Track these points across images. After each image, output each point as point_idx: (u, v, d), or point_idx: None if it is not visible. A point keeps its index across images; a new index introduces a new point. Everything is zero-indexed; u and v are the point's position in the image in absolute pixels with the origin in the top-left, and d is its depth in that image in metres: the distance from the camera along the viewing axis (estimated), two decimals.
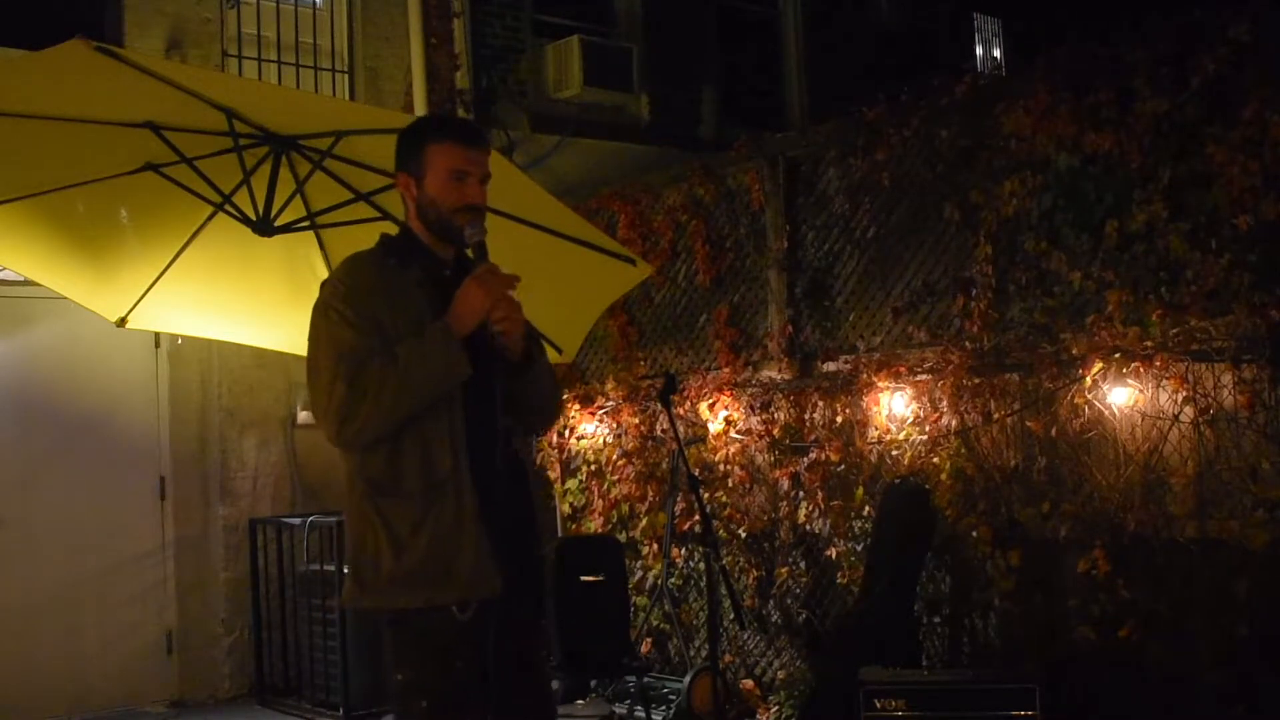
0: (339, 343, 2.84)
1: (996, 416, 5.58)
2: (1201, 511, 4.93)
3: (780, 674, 6.50)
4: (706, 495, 6.59)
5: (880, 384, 5.97)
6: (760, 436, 6.56)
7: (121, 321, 4.89)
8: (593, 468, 7.45)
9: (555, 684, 5.95)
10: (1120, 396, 5.11)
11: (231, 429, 7.61)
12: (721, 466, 6.75)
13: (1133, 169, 5.14)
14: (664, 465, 7.04)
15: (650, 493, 7.07)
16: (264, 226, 4.36)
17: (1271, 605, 4.71)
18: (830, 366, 6.37)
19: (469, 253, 2.97)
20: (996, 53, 12.36)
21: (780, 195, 6.67)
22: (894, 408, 5.96)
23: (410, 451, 2.85)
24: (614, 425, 7.34)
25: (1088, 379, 5.14)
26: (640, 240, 7.35)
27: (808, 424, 6.38)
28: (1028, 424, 5.43)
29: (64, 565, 7.12)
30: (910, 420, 5.87)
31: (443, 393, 2.85)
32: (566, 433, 7.53)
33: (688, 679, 6.30)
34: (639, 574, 7.12)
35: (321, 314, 2.90)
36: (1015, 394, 5.53)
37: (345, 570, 2.99)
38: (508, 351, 2.90)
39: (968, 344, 5.69)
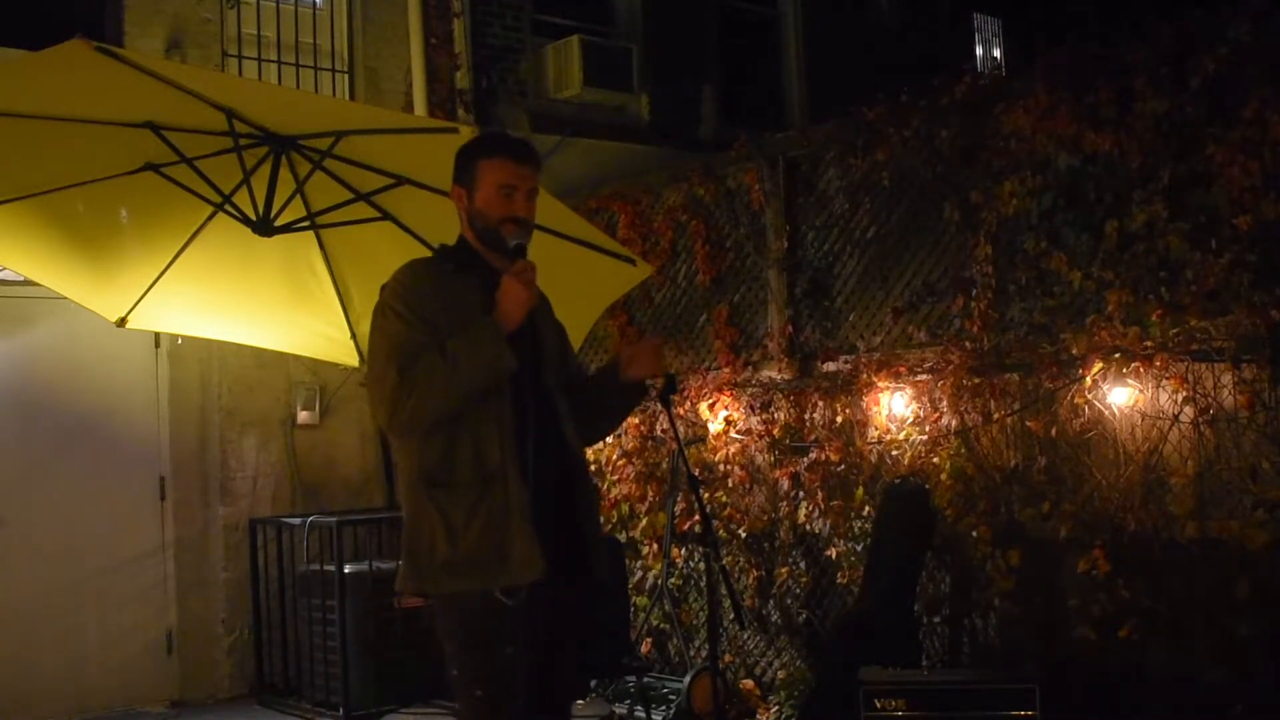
0: (392, 336, 3.05)
1: (996, 416, 5.59)
2: (1201, 511, 4.93)
3: (780, 674, 6.50)
4: (706, 495, 6.59)
5: (880, 384, 5.97)
6: (760, 436, 6.56)
7: (121, 321, 4.90)
8: (593, 468, 7.43)
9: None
10: (1120, 396, 5.11)
11: (231, 429, 7.61)
12: (721, 466, 6.75)
13: (1133, 169, 5.14)
14: (664, 465, 7.04)
15: (650, 493, 7.07)
16: (264, 226, 4.37)
17: (1271, 605, 4.71)
18: (830, 366, 6.37)
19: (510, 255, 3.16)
20: (996, 53, 12.36)
21: (780, 195, 6.67)
22: (894, 408, 5.96)
23: (463, 445, 3.03)
24: None
25: (1088, 379, 5.14)
26: (640, 240, 7.35)
27: (808, 424, 6.38)
28: (1028, 424, 5.43)
29: (64, 565, 7.12)
30: (910, 420, 5.87)
31: (490, 384, 3.02)
32: None
33: (688, 679, 6.30)
34: (639, 574, 7.11)
35: (380, 312, 3.11)
36: (1015, 394, 5.53)
37: (402, 560, 3.17)
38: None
39: (968, 344, 5.69)
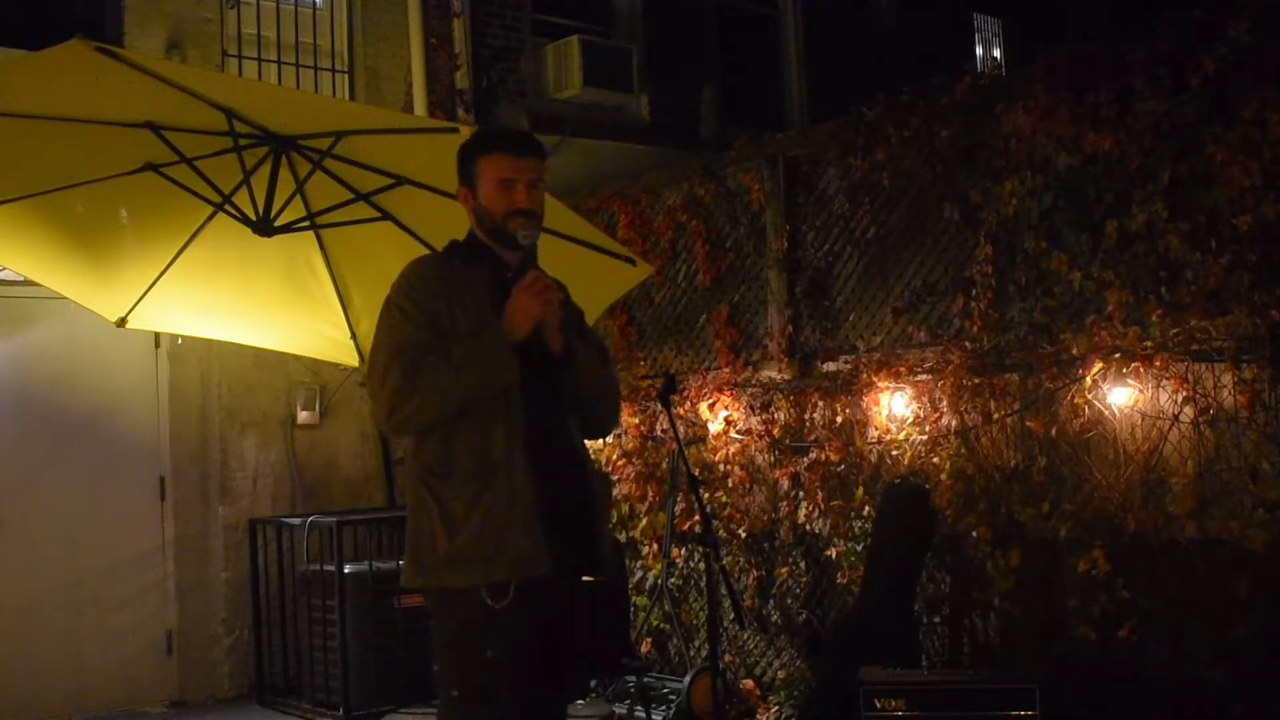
0: (396, 334, 3.03)
1: (996, 416, 5.59)
2: (1201, 511, 4.93)
3: (780, 674, 6.50)
4: (706, 495, 6.59)
5: (880, 384, 5.97)
6: (760, 436, 6.56)
7: (121, 321, 4.90)
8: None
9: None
10: (1120, 396, 5.11)
11: (231, 429, 7.61)
12: (721, 466, 6.75)
13: (1133, 169, 5.14)
14: (664, 465, 7.04)
15: (650, 493, 7.07)
16: (264, 226, 4.37)
17: (1271, 605, 4.71)
18: (830, 366, 6.37)
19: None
20: (996, 53, 12.36)
21: (780, 195, 6.67)
22: (894, 408, 5.96)
23: (465, 436, 3.00)
24: None
25: (1088, 379, 5.15)
26: (640, 240, 7.35)
27: (808, 424, 6.38)
28: (1028, 424, 5.43)
29: (64, 565, 7.12)
30: (910, 420, 5.87)
31: (494, 392, 3.00)
32: None
33: (688, 679, 6.30)
34: (639, 574, 7.11)
35: (385, 309, 3.09)
36: (1015, 394, 5.53)
37: (406, 555, 3.15)
38: (549, 341, 3.08)
39: (968, 344, 5.69)
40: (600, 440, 7.43)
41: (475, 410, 3.00)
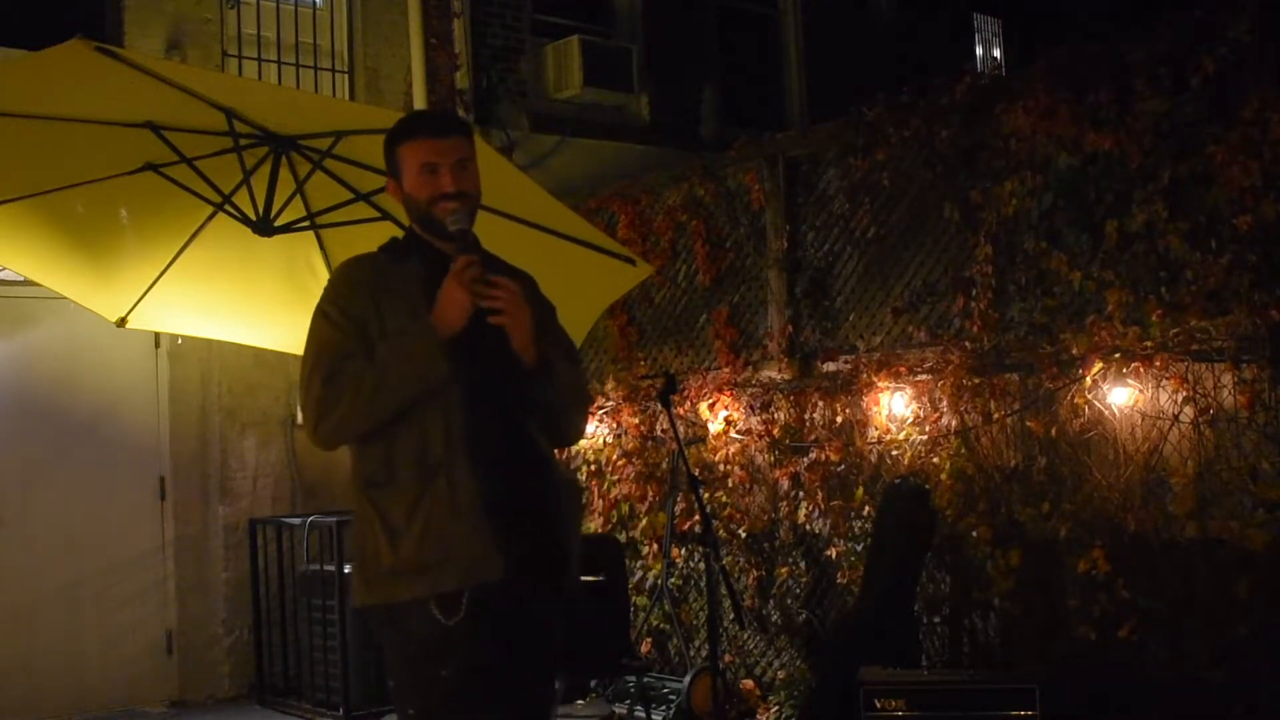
0: (319, 340, 2.87)
1: (996, 416, 5.58)
2: (1201, 511, 4.93)
3: (780, 674, 6.50)
4: (706, 495, 6.59)
5: (880, 384, 5.97)
6: (760, 436, 6.56)
7: (121, 321, 4.89)
8: (593, 467, 7.45)
9: (556, 683, 5.92)
10: (1120, 396, 5.11)
11: (231, 429, 7.61)
12: (721, 466, 6.74)
13: (1133, 169, 5.14)
14: (664, 465, 7.04)
15: (650, 493, 7.07)
16: (264, 226, 4.36)
17: (1271, 605, 4.71)
18: (830, 366, 6.37)
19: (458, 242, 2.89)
20: (996, 53, 12.36)
21: (780, 195, 6.67)
22: (894, 408, 5.96)
23: (404, 441, 2.81)
24: (614, 425, 7.34)
25: (1088, 379, 5.14)
26: (640, 240, 7.35)
27: (808, 424, 6.38)
28: (1028, 424, 5.43)
29: (64, 565, 7.12)
30: (910, 420, 5.87)
31: (424, 392, 2.80)
32: None
33: (688, 679, 6.30)
34: (639, 574, 7.11)
35: (313, 317, 2.92)
36: (1015, 394, 5.53)
37: (352, 572, 2.96)
38: (520, 351, 2.84)
39: (968, 344, 5.69)
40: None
41: (413, 413, 2.80)
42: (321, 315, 2.89)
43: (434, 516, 2.77)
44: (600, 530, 7.27)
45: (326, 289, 2.95)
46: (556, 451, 3.10)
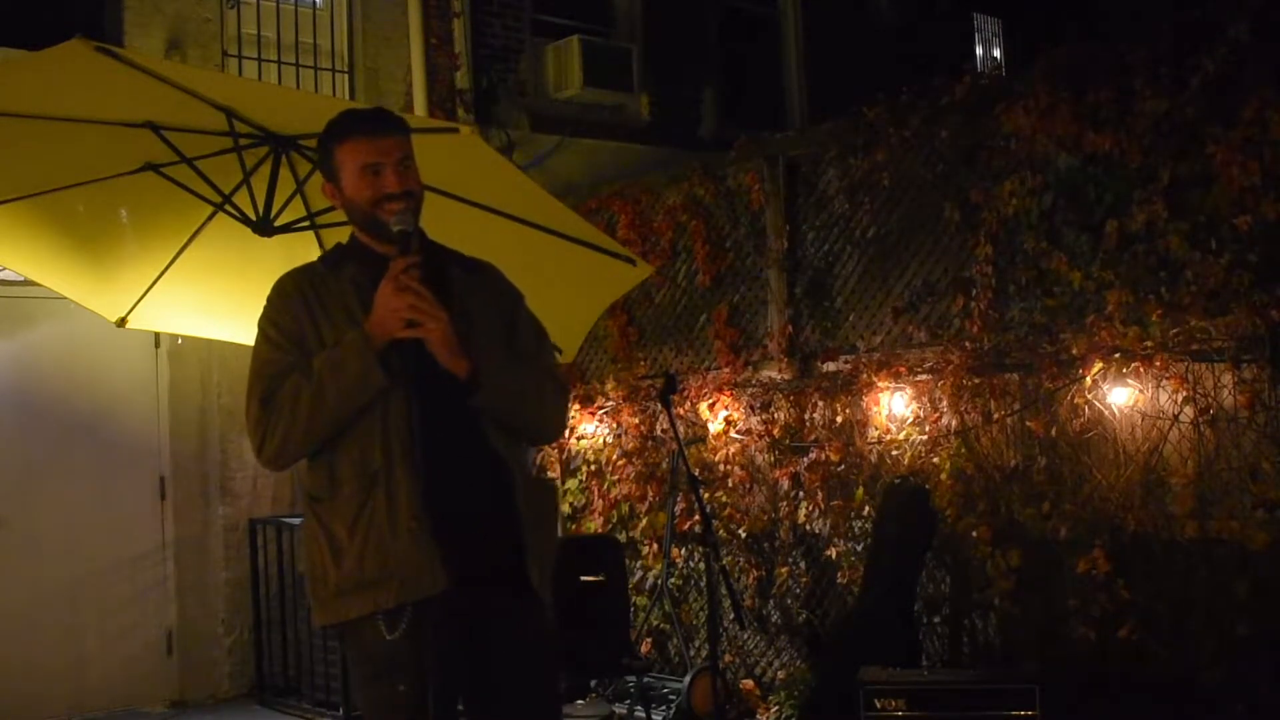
0: (257, 361, 2.79)
1: (996, 416, 5.59)
2: (1201, 511, 4.93)
3: (780, 674, 6.50)
4: (706, 495, 6.59)
5: (880, 384, 5.97)
6: (760, 436, 6.56)
7: (121, 321, 4.89)
8: (593, 468, 7.45)
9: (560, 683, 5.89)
10: (1120, 396, 5.11)
11: (231, 429, 7.60)
12: (721, 466, 6.75)
13: (1133, 169, 5.14)
14: (664, 465, 7.04)
15: (650, 493, 7.07)
16: (264, 227, 4.36)
17: (1271, 605, 4.71)
18: (830, 366, 6.37)
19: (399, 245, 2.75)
20: (996, 53, 12.36)
21: (780, 195, 6.67)
22: (894, 408, 5.96)
23: (345, 453, 2.73)
24: (614, 425, 7.34)
25: (1088, 379, 5.14)
26: (640, 240, 7.35)
27: (808, 424, 6.38)
28: (1028, 424, 5.43)
29: (64, 565, 7.12)
30: (910, 420, 5.87)
31: (363, 403, 2.70)
32: (567, 433, 7.53)
33: (688, 679, 6.29)
34: (639, 574, 7.11)
35: (256, 335, 2.85)
36: (1015, 394, 5.53)
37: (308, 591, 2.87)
38: (445, 364, 2.72)
39: (968, 344, 5.69)
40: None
41: (356, 424, 2.71)
42: (260, 334, 2.80)
43: (373, 531, 2.69)
44: (600, 530, 7.27)
45: (264, 307, 2.84)
46: (554, 448, 3.06)
